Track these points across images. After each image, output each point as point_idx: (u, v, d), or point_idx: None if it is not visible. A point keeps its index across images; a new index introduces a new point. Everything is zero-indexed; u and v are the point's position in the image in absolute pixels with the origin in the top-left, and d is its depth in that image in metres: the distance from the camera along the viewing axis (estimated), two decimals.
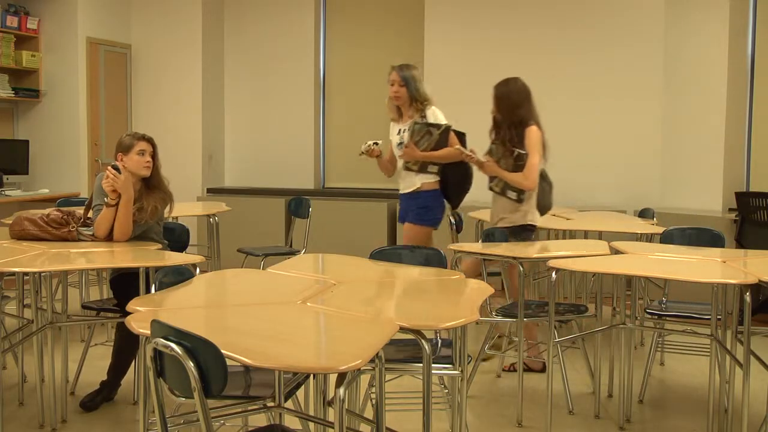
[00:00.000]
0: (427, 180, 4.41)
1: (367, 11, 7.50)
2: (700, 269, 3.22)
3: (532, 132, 4.15)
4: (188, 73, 7.51)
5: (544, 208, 4.36)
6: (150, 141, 3.75)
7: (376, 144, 4.44)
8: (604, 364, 3.96)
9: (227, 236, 6.14)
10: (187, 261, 3.10)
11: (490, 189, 4.31)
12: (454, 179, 4.44)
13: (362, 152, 4.45)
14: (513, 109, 4.19)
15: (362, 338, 2.05)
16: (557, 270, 3.23)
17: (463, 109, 6.93)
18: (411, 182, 4.44)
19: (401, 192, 4.54)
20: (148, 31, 7.60)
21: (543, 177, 4.35)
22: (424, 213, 4.41)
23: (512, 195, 4.19)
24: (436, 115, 4.42)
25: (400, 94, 4.41)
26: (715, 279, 3.08)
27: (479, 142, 6.88)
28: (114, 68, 7.41)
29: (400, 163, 4.50)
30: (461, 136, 4.52)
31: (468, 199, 6.82)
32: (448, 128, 4.37)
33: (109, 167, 3.58)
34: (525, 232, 4.20)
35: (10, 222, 3.80)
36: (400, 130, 4.46)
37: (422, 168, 4.39)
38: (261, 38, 7.66)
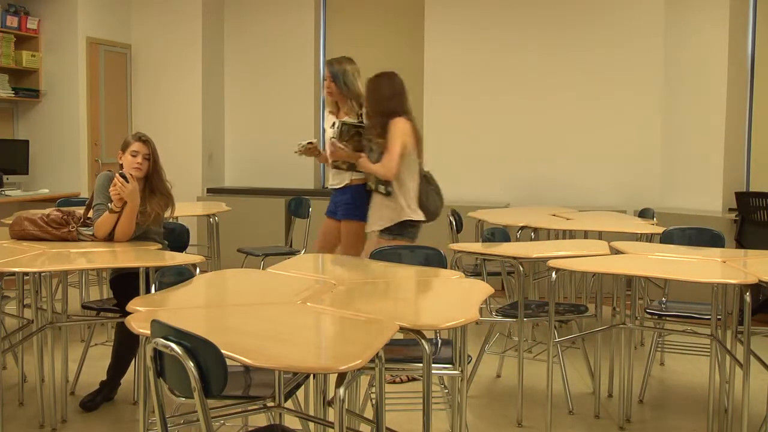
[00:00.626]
0: (357, 176, 4.32)
1: (367, 11, 7.50)
2: (700, 269, 3.22)
3: (396, 123, 4.02)
4: (188, 73, 7.51)
5: (430, 213, 4.20)
6: (146, 143, 3.74)
7: (311, 143, 4.36)
8: (604, 364, 3.96)
9: (227, 236, 6.14)
10: (187, 261, 3.11)
11: (368, 187, 4.21)
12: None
13: (300, 152, 4.35)
14: (381, 101, 4.08)
15: (362, 338, 2.05)
16: (557, 270, 3.23)
17: (463, 109, 6.96)
18: (341, 178, 4.37)
19: (331, 186, 4.47)
20: (148, 31, 7.59)
21: (428, 180, 4.21)
22: (354, 209, 4.30)
23: (381, 189, 4.07)
24: None
25: (331, 89, 4.36)
26: (715, 279, 3.08)
27: (477, 141, 6.90)
28: (114, 68, 7.41)
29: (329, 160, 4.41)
30: None
31: (468, 199, 6.85)
32: None
33: (117, 174, 3.58)
34: (404, 229, 4.07)
35: (10, 222, 3.80)
36: (334, 123, 4.35)
37: (351, 167, 4.29)
38: (261, 38, 7.66)
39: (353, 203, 4.30)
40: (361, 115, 4.28)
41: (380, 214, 4.10)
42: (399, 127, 4.01)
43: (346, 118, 4.28)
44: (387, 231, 4.08)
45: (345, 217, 4.33)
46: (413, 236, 4.12)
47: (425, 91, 7.00)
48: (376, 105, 4.09)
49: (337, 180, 4.40)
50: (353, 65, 4.41)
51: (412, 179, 4.10)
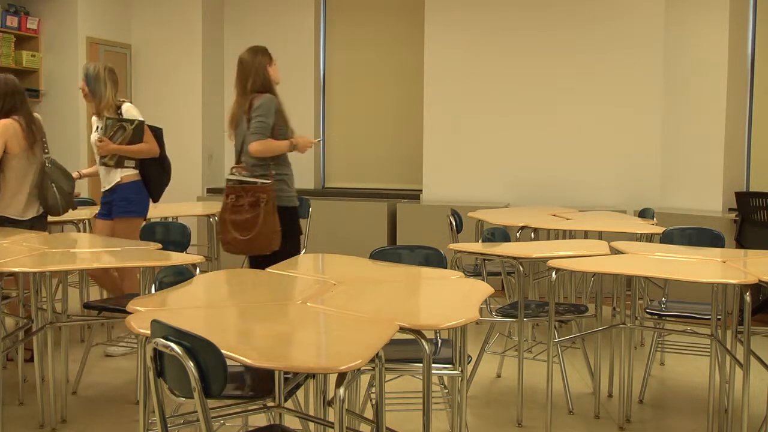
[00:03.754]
0: (128, 173, 4.53)
1: (367, 11, 7.50)
2: (700, 269, 3.22)
3: None
4: (188, 73, 7.51)
5: (49, 207, 4.30)
6: None
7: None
8: (604, 364, 3.96)
9: None
10: (187, 261, 3.10)
11: None
12: (153, 173, 4.59)
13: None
14: None
15: (362, 338, 2.05)
16: (557, 270, 3.23)
17: (463, 109, 6.96)
18: (112, 178, 4.54)
19: (103, 189, 4.63)
20: (148, 31, 7.60)
21: (49, 176, 4.27)
22: (127, 204, 4.51)
23: None
24: (130, 111, 4.54)
25: (85, 92, 4.59)
26: (715, 279, 3.08)
27: (478, 141, 6.89)
28: (114, 68, 7.40)
29: (97, 159, 4.58)
30: (158, 131, 4.63)
31: (468, 199, 6.85)
32: (141, 123, 4.50)
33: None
34: (2, 225, 4.19)
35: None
36: (98, 127, 4.59)
37: (119, 163, 4.50)
38: (261, 38, 7.57)
39: (127, 200, 4.51)
40: (120, 113, 4.52)
41: None
42: None
43: (111, 114, 4.51)
44: None
45: (119, 215, 4.51)
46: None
47: (425, 92, 7.01)
48: None
49: (107, 180, 4.57)
50: (104, 65, 4.69)
51: (14, 177, 4.21)
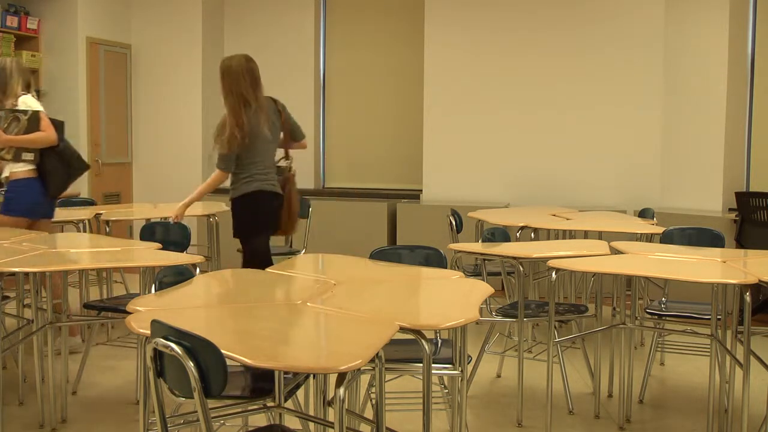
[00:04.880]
0: (18, 169, 4.40)
1: (367, 12, 7.50)
2: (700, 269, 3.22)
3: None
4: (188, 73, 7.51)
5: None
6: None
7: None
8: (604, 364, 3.96)
9: (227, 236, 6.14)
10: (187, 261, 3.11)
11: None
12: (50, 167, 4.43)
13: None
14: None
15: (362, 338, 2.05)
16: (557, 270, 3.23)
17: (463, 109, 6.96)
18: (4, 171, 4.45)
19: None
20: (148, 31, 7.60)
21: None
22: (7, 203, 4.39)
23: None
24: (26, 102, 4.41)
25: None
26: (715, 279, 3.08)
27: (477, 141, 6.89)
28: (114, 68, 7.41)
29: None
30: (59, 124, 4.52)
31: (468, 199, 6.85)
32: (36, 113, 4.37)
33: None
34: None
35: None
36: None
37: (17, 157, 4.37)
38: (261, 38, 7.66)
39: (9, 198, 4.39)
40: (16, 105, 4.37)
41: None
42: None
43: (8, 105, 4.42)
44: None
45: (2, 212, 4.39)
46: None
47: (425, 92, 7.00)
48: None
49: (2, 173, 4.49)
50: (12, 59, 4.64)
51: None
